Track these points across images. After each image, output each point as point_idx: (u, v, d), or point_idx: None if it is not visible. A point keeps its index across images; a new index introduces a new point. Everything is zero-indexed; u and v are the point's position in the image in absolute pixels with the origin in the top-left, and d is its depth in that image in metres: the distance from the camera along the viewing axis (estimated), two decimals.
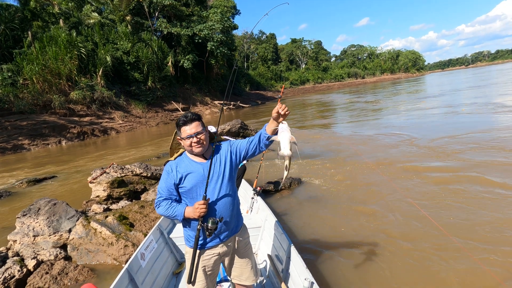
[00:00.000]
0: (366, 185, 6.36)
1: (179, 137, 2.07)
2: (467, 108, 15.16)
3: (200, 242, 2.05)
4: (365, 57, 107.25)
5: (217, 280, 3.05)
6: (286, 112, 1.92)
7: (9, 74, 21.09)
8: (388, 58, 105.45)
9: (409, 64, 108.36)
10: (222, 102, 36.58)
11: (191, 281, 2.00)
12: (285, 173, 2.12)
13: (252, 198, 4.63)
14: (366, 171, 7.28)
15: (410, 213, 4.85)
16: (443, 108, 16.57)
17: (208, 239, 2.06)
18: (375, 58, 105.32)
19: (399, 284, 3.28)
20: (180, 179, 2.02)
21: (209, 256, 2.11)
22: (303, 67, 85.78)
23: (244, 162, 5.55)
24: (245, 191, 5.41)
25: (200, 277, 2.09)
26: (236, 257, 2.25)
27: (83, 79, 24.38)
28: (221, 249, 2.13)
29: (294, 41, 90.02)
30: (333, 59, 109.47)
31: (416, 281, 3.32)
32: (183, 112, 29.26)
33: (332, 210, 5.35)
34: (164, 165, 2.14)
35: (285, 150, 1.95)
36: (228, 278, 2.40)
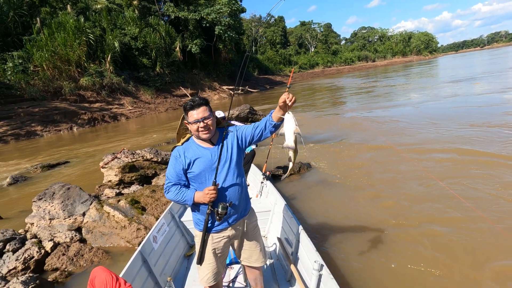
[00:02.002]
0: (387, 171, 6.31)
1: (186, 121, 2.07)
2: None
3: (209, 226, 2.09)
4: (376, 40, 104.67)
5: (228, 262, 3.11)
6: (293, 103, 1.94)
7: (20, 61, 21.29)
8: (399, 41, 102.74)
9: (422, 47, 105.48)
10: (231, 87, 36.45)
11: (200, 262, 2.10)
12: (290, 164, 2.17)
13: (262, 182, 4.66)
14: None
15: (431, 199, 4.81)
16: None
17: (217, 223, 2.09)
18: (386, 40, 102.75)
19: (407, 271, 3.29)
20: (189, 164, 2.04)
21: (219, 239, 2.14)
22: (312, 50, 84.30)
23: (253, 147, 5.57)
24: (254, 175, 5.44)
25: (210, 259, 2.14)
26: (245, 240, 2.28)
27: (92, 65, 24.49)
28: (230, 232, 2.17)
29: (303, 24, 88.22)
30: (343, 42, 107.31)
31: (424, 269, 3.33)
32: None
33: (342, 194, 5.36)
34: (172, 150, 2.15)
35: (289, 141, 2.00)
36: (238, 260, 2.44)
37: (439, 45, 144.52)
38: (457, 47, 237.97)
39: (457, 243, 3.63)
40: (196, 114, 1.98)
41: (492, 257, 3.32)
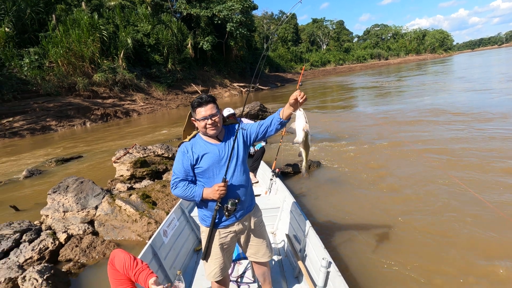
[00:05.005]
0: (398, 170, 6.26)
1: (193, 118, 2.10)
2: None
3: (216, 221, 2.12)
4: (389, 37, 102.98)
5: (235, 257, 3.14)
6: (304, 101, 1.95)
7: (36, 57, 21.76)
8: (413, 38, 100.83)
9: (436, 44, 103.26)
10: (242, 84, 36.46)
11: (206, 257, 2.14)
12: (303, 162, 2.21)
13: (271, 179, 4.68)
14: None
15: (440, 196, 4.76)
16: None
17: (224, 218, 2.12)
18: (400, 38, 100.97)
19: (416, 270, 3.27)
20: (197, 160, 2.06)
21: (225, 234, 2.18)
22: (324, 48, 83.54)
23: (263, 143, 5.59)
24: (264, 172, 5.46)
25: (217, 254, 2.18)
26: (251, 235, 2.32)
27: (105, 61, 24.83)
28: (237, 227, 2.20)
29: (315, 21, 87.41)
30: (356, 39, 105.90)
31: (434, 269, 3.30)
32: None
33: (352, 192, 5.33)
34: (178, 146, 2.17)
35: (299, 137, 2.03)
36: (245, 255, 2.47)
37: (454, 43, 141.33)
38: (473, 45, 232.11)
39: (473, 244, 3.58)
40: (204, 111, 2.02)
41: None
